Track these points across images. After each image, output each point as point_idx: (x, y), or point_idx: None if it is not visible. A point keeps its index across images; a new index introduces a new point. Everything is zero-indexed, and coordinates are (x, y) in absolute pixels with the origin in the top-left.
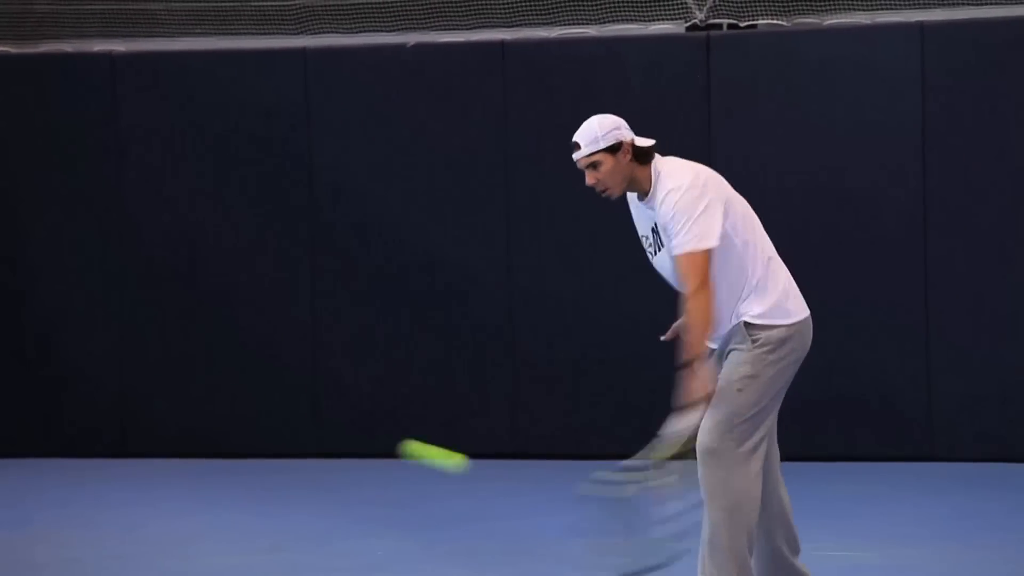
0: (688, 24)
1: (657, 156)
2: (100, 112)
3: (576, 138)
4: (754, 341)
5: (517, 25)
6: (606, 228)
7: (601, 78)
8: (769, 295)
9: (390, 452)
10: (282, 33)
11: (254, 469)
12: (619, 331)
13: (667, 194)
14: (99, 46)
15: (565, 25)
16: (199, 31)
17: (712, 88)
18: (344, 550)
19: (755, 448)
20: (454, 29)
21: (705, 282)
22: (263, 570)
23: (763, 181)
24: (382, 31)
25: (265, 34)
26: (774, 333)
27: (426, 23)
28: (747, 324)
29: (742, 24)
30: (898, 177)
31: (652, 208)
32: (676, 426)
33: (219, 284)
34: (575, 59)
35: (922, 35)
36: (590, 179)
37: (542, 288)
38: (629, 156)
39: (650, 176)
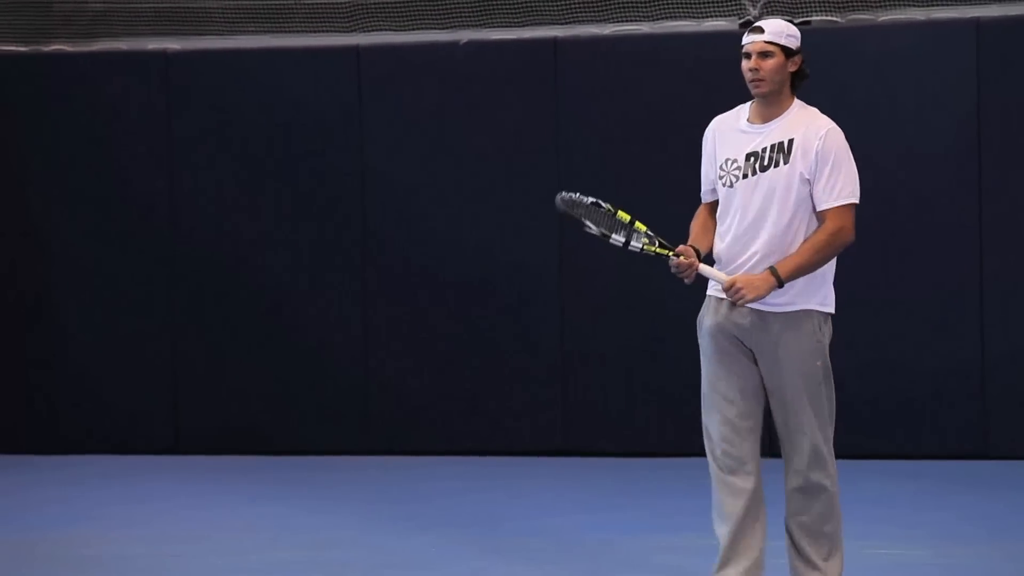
0: (742, 20)
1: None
2: (154, 109)
3: (761, 24)
4: (820, 330)
5: (570, 22)
6: (661, 225)
7: (654, 75)
8: (832, 285)
9: (438, 449)
10: (335, 31)
11: (302, 466)
12: (672, 330)
13: (832, 130)
14: (153, 44)
15: (618, 22)
16: (252, 29)
17: None
18: (390, 547)
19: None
20: (507, 27)
21: (851, 230)
22: (310, 566)
23: None
24: (435, 29)
25: (318, 32)
26: (829, 322)
27: (479, 21)
28: (816, 311)
29: (796, 20)
30: (954, 173)
31: (760, 132)
32: (713, 273)
33: (269, 282)
34: (628, 56)
35: (978, 31)
36: (753, 63)
37: (594, 287)
38: (794, 68)
39: (791, 103)
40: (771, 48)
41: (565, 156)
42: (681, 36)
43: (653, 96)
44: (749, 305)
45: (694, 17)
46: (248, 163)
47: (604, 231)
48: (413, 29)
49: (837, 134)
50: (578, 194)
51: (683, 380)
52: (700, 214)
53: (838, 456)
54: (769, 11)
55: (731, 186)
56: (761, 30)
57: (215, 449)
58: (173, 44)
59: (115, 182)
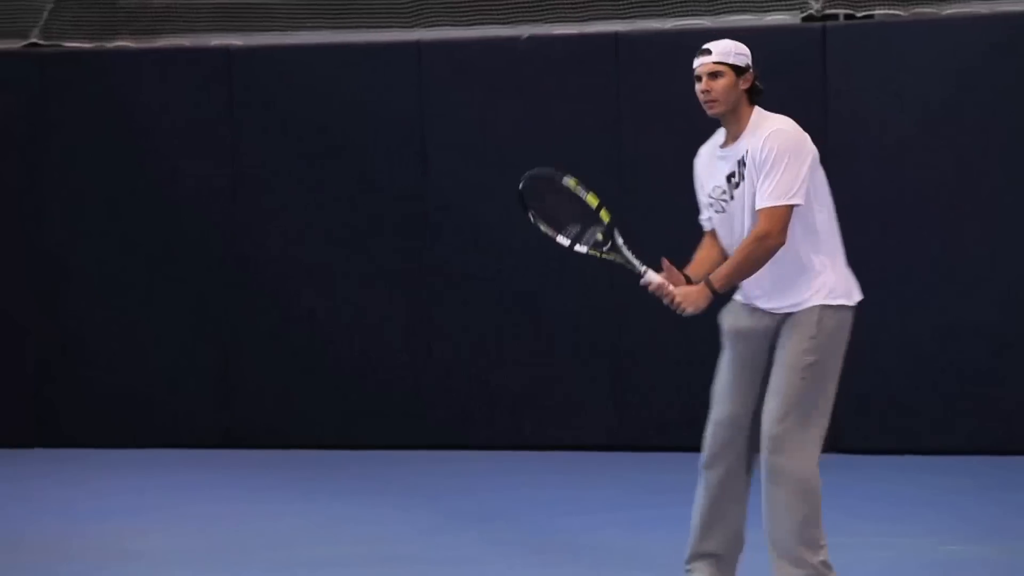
0: (804, 15)
1: (760, 108)
2: (216, 105)
3: (709, 46)
4: (819, 325)
5: (631, 17)
6: None
7: None
8: (840, 274)
9: (490, 444)
10: (396, 26)
11: (356, 461)
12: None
13: (773, 132)
14: (216, 40)
15: (679, 16)
16: (314, 25)
17: (828, 79)
18: (444, 542)
19: (820, 434)
20: (568, 21)
21: (779, 234)
22: (362, 561)
23: (882, 172)
24: (496, 24)
25: (379, 27)
26: (839, 316)
27: (540, 15)
28: (819, 307)
29: (859, 14)
30: (1020, 167)
31: (731, 154)
32: (645, 273)
33: (327, 275)
34: (689, 51)
35: None
36: (704, 86)
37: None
38: (747, 85)
39: (750, 118)
40: (720, 68)
41: (627, 151)
42: (743, 30)
43: None
44: (764, 307)
45: (756, 11)
46: (309, 159)
47: (550, 229)
48: (474, 24)
49: (780, 135)
50: (545, 171)
51: None
52: (703, 243)
53: (910, 451)
54: (831, 5)
55: (723, 211)
56: (709, 52)
57: (268, 443)
58: (235, 40)
59: (177, 177)
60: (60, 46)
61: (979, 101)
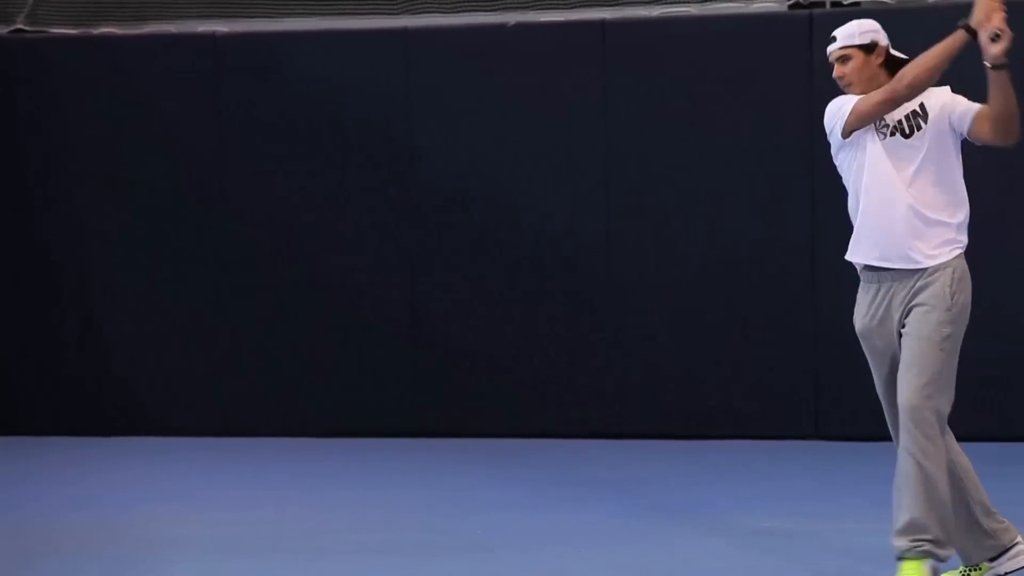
0: (790, 2)
1: None
2: (202, 92)
3: (835, 32)
4: (952, 296)
5: (617, 4)
6: (705, 205)
7: (702, 57)
8: (965, 229)
9: (540, 432)
10: (383, 13)
11: (407, 447)
12: (716, 303)
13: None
14: (202, 27)
15: (666, 4)
16: (301, 11)
17: (815, 67)
18: (506, 525)
19: (950, 407)
20: (554, 8)
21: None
22: (420, 547)
23: None
24: (482, 11)
25: (366, 14)
26: (967, 281)
27: (526, 3)
28: (952, 271)
29: (845, 2)
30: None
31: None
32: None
33: (325, 266)
34: (676, 38)
35: None
36: (838, 72)
37: (642, 266)
38: (881, 60)
39: None
40: (847, 52)
41: (613, 138)
42: (729, 18)
43: (701, 78)
44: None
45: None
46: (297, 146)
47: None
48: (461, 12)
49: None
50: None
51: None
52: None
53: None
54: None
55: (885, 138)
56: (834, 38)
57: (324, 432)
58: (221, 27)
59: (163, 164)
60: (46, 32)
61: (966, 89)
